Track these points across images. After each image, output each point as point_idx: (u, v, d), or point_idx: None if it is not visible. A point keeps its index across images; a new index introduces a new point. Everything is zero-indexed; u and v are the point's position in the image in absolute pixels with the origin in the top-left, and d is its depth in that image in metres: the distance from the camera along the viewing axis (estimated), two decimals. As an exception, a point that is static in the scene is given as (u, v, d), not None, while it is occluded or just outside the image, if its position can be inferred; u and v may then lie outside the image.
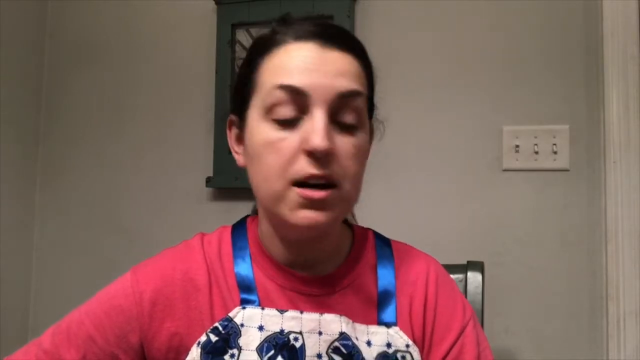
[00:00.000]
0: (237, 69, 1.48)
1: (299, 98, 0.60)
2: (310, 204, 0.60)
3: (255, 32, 1.52)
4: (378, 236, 0.75)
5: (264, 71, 0.64)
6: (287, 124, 0.61)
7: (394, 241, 0.74)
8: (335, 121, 0.61)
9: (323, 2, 1.45)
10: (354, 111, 0.62)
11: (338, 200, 0.61)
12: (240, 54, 1.52)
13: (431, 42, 1.43)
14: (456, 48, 1.41)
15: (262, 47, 0.65)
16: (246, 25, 1.53)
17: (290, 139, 0.60)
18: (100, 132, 1.66)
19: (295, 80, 0.60)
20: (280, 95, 0.61)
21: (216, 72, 1.53)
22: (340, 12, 1.44)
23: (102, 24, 1.70)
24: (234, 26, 1.54)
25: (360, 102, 0.63)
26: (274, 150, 0.61)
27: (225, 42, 1.53)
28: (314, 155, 0.59)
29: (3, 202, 1.57)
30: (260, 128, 0.62)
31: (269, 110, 0.62)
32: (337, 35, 0.64)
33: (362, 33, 1.45)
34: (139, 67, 1.65)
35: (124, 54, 1.67)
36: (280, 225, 0.65)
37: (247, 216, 0.76)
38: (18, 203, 1.64)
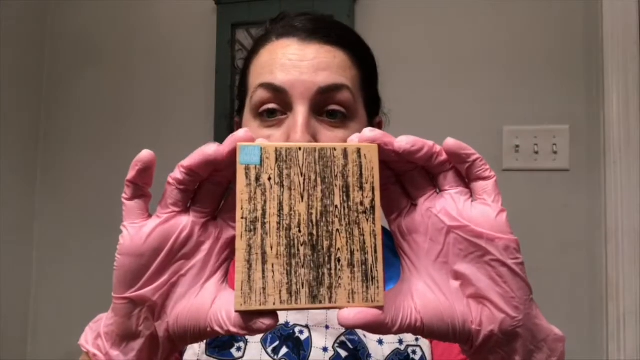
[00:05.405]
0: (237, 69, 1.49)
1: (281, 95, 0.61)
2: None
3: (255, 32, 1.52)
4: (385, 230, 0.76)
5: (252, 72, 0.66)
6: (273, 121, 0.62)
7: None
8: (321, 115, 0.62)
9: (323, 2, 1.45)
10: (340, 104, 0.62)
11: None
12: (240, 53, 1.52)
13: (431, 42, 1.43)
14: (456, 48, 1.41)
15: (252, 49, 0.68)
16: (246, 25, 1.52)
17: (276, 136, 0.61)
18: (100, 132, 1.66)
19: (275, 78, 0.61)
20: (263, 94, 0.62)
21: (216, 72, 1.53)
22: (340, 12, 1.44)
23: (102, 24, 1.70)
24: (234, 26, 1.54)
25: (347, 95, 0.62)
26: None
27: (225, 42, 1.53)
28: None
29: (3, 202, 1.56)
30: (250, 127, 0.64)
31: (256, 109, 0.63)
32: (320, 28, 0.64)
33: (362, 33, 1.43)
34: (138, 67, 1.65)
35: (124, 54, 1.67)
36: None
37: None
38: (18, 203, 1.64)
